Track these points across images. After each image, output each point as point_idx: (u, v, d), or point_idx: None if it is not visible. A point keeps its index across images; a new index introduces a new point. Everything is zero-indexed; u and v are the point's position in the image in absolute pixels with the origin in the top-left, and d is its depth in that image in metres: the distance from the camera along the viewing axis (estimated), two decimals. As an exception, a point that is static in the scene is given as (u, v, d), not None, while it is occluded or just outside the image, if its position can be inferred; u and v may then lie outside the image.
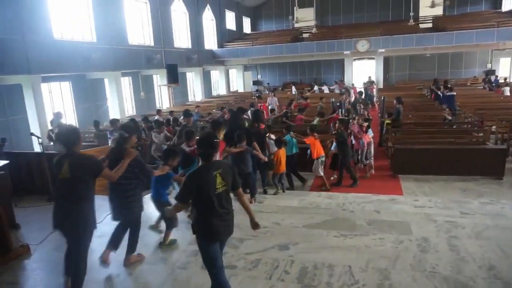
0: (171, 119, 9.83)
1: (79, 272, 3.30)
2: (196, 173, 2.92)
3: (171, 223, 4.33)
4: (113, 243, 3.91)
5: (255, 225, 3.15)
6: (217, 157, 4.28)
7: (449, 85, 13.37)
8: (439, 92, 13.87)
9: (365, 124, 7.92)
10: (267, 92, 21.42)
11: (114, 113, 15.13)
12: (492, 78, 20.42)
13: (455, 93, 12.44)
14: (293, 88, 22.68)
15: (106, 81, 15.48)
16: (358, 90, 19.25)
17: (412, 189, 6.89)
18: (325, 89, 21.40)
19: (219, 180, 2.90)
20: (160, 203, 4.27)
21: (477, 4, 24.89)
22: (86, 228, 3.33)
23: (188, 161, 5.15)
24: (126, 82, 17.22)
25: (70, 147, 3.28)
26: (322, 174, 7.07)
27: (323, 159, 7.11)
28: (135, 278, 3.70)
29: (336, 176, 7.55)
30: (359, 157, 7.71)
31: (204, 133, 3.22)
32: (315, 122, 9.30)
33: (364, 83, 20.73)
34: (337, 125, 7.36)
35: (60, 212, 3.28)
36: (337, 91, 20.69)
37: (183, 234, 4.60)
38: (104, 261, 3.81)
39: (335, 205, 5.46)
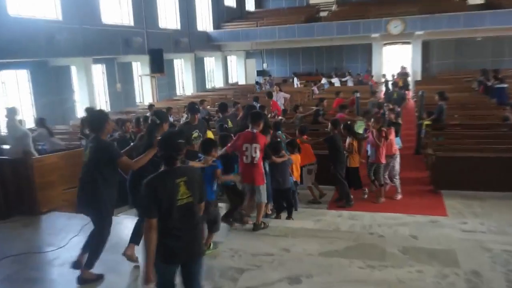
0: (141, 119, 9.05)
1: (97, 250, 4.06)
2: (154, 179, 2.94)
3: (214, 225, 4.70)
4: (136, 238, 4.39)
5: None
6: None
7: (499, 76, 13.47)
8: (488, 84, 13.99)
9: (385, 129, 7.58)
10: (268, 86, 21.44)
11: (83, 109, 15.18)
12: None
13: (506, 85, 12.52)
14: (295, 80, 22.66)
15: (73, 69, 15.59)
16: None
17: (458, 209, 6.83)
18: (336, 82, 21.47)
19: (183, 190, 2.93)
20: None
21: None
22: (100, 210, 4.09)
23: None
24: (98, 71, 17.35)
25: (95, 132, 4.14)
26: (310, 184, 7.39)
27: (311, 167, 7.38)
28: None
29: (367, 190, 7.61)
30: (378, 174, 7.43)
31: (167, 132, 3.42)
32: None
33: (397, 74, 20.75)
34: (329, 127, 7.49)
35: (79, 194, 4.15)
36: (350, 84, 20.79)
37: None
38: (130, 258, 4.39)
39: (360, 228, 5.42)
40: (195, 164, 4.48)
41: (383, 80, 20.53)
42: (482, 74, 15.16)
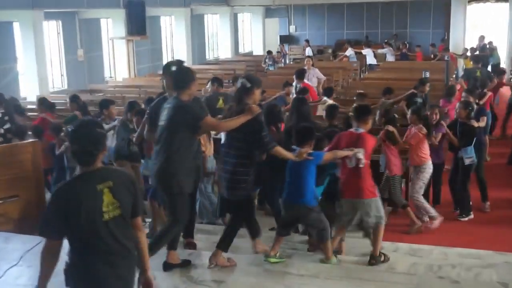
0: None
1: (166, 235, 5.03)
2: (65, 187, 3.02)
3: (323, 232, 5.32)
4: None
5: (145, 281, 3.22)
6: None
7: None
8: None
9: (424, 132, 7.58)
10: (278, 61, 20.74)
11: (29, 84, 15.36)
12: None
13: None
14: (349, 50, 22.29)
15: (16, 26, 15.74)
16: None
17: None
18: (369, 54, 21.25)
19: (108, 199, 2.94)
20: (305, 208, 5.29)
21: None
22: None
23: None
24: (51, 30, 17.49)
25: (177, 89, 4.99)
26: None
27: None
28: None
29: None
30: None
31: (80, 120, 3.64)
32: None
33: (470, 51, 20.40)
34: None
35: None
36: (390, 58, 20.49)
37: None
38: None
39: (425, 268, 5.40)
40: (287, 155, 5.13)
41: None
42: None
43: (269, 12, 28.09)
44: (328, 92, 10.47)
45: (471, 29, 23.62)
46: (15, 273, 5.28)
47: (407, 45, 23.90)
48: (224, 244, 5.22)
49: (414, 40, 26.60)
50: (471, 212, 7.78)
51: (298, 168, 5.20)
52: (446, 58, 18.24)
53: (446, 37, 24.02)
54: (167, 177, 4.93)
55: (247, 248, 6.13)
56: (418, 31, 27.28)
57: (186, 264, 5.23)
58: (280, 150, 5.07)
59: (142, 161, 6.57)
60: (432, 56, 21.40)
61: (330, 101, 9.70)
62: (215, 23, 26.17)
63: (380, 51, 21.78)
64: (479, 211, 8.09)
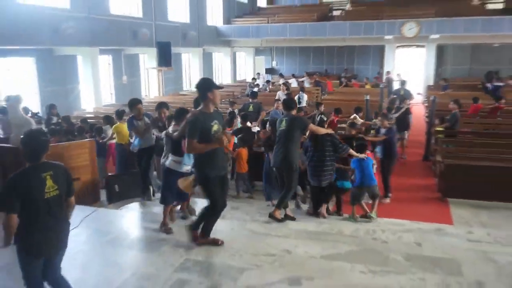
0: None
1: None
2: (19, 175, 3.16)
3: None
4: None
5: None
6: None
7: (499, 77, 17.48)
8: (487, 85, 16.48)
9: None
10: (261, 85, 19.40)
11: (87, 100, 15.32)
12: None
13: (502, 84, 15.82)
14: (294, 80, 20.43)
15: (79, 59, 15.70)
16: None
17: (465, 218, 6.82)
18: (293, 83, 19.74)
19: (50, 183, 3.19)
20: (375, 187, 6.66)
21: None
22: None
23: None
24: (104, 62, 17.43)
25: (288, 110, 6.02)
26: None
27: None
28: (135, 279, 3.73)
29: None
30: None
31: (32, 131, 3.59)
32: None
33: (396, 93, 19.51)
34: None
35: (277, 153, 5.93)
36: (307, 85, 19.73)
37: (166, 257, 4.63)
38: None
39: (364, 233, 5.44)
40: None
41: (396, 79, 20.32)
42: (486, 76, 17.48)
43: (258, 51, 28.10)
44: (357, 110, 10.31)
45: (398, 65, 23.66)
46: (77, 232, 5.26)
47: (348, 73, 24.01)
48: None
49: (359, 72, 26.80)
50: (390, 194, 7.78)
51: (367, 164, 6.40)
52: (381, 86, 18.25)
53: (381, 71, 24.11)
54: (288, 161, 5.71)
55: (238, 217, 6.18)
56: (361, 67, 27.38)
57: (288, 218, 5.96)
58: (353, 152, 6.40)
59: (179, 157, 5.50)
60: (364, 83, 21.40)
61: (359, 118, 9.67)
62: (220, 59, 26.12)
63: (300, 79, 20.99)
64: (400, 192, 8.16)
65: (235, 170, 8.03)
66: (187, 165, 5.49)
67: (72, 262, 4.58)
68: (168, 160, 5.54)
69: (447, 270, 4.35)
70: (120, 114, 8.84)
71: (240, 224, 5.72)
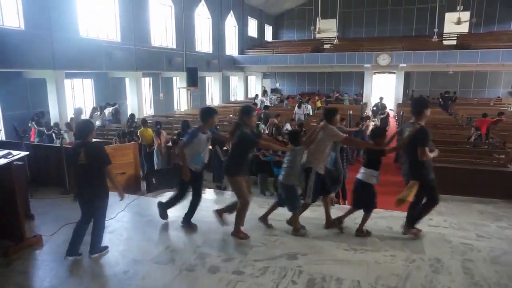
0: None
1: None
2: (71, 147, 4.09)
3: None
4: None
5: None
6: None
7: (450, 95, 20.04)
8: (440, 100, 19.16)
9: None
10: (259, 103, 18.33)
11: (133, 111, 15.40)
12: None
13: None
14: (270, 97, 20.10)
15: (127, 80, 15.80)
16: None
17: (427, 208, 6.73)
18: (267, 101, 19.25)
19: (82, 155, 3.78)
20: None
21: (505, 23, 24.40)
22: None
23: None
24: (146, 83, 17.54)
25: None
26: None
27: None
28: (142, 276, 3.72)
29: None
30: None
31: (81, 120, 4.35)
32: None
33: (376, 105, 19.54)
34: None
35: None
36: (275, 102, 19.61)
37: (192, 235, 4.61)
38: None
39: (348, 219, 5.36)
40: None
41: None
42: (441, 96, 20.00)
43: (265, 75, 28.14)
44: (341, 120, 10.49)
45: (375, 88, 23.54)
46: (122, 215, 5.27)
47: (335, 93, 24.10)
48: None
49: (344, 92, 26.70)
50: None
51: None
52: (361, 103, 18.17)
53: (361, 92, 24.00)
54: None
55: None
56: (346, 88, 27.21)
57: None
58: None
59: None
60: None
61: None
62: (235, 81, 26.16)
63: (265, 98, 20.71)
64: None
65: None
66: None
67: (119, 237, 4.59)
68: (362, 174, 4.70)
69: (412, 249, 4.29)
70: (144, 121, 9.08)
71: (250, 211, 5.68)
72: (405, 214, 5.85)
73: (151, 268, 3.87)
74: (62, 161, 6.23)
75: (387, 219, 5.44)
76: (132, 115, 12.30)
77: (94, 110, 13.07)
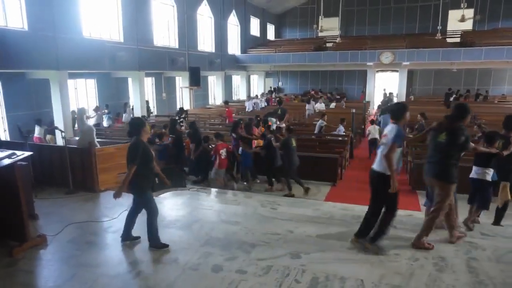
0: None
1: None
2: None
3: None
4: None
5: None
6: None
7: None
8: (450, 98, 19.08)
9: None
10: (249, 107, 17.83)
11: (136, 111, 15.43)
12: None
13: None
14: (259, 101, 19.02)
15: (130, 80, 15.83)
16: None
17: (431, 206, 6.69)
18: (261, 103, 18.60)
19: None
20: None
21: (509, 19, 24.17)
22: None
23: None
24: (149, 82, 17.58)
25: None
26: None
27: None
28: (145, 276, 3.73)
29: None
30: None
31: (133, 118, 4.43)
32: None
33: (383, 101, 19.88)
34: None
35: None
36: (264, 104, 18.73)
37: (195, 235, 4.62)
38: None
39: (350, 217, 5.36)
40: None
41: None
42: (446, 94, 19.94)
43: (267, 74, 28.04)
44: (342, 120, 11.30)
45: (378, 86, 23.46)
46: (125, 215, 5.29)
47: (338, 91, 24.01)
48: None
49: (347, 91, 26.69)
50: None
51: None
52: (363, 101, 18.12)
53: (364, 90, 23.92)
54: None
55: (251, 204, 6.13)
56: (349, 86, 27.17)
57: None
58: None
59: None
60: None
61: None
62: (238, 80, 26.13)
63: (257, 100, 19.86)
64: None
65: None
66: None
67: (115, 236, 4.58)
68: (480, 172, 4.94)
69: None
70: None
71: (252, 210, 5.69)
72: (407, 212, 5.85)
73: (155, 268, 3.88)
74: (66, 161, 6.26)
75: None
76: (181, 108, 13.49)
77: (96, 109, 13.33)
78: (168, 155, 8.38)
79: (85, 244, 4.38)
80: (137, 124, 4.13)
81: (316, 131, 11.29)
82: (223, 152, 7.63)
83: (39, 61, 10.63)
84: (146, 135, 4.20)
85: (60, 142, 8.55)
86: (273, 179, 7.76)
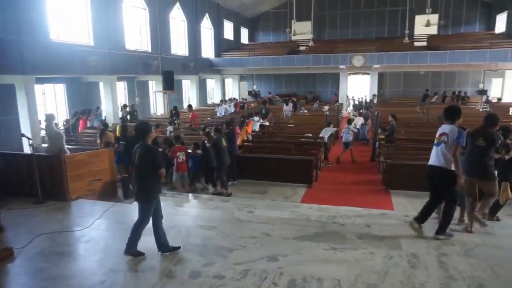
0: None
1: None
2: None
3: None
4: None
5: None
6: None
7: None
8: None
9: None
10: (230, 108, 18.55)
11: (107, 117, 15.05)
12: (484, 98, 20.78)
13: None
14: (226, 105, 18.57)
15: (101, 85, 15.44)
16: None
17: (403, 204, 6.90)
18: (230, 108, 18.73)
19: (136, 155, 3.98)
20: None
21: (471, 24, 25.45)
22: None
23: None
24: (121, 87, 17.18)
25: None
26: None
27: None
28: (121, 285, 3.62)
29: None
30: None
31: (139, 123, 4.22)
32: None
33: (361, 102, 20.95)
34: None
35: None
36: (233, 108, 18.59)
37: (172, 241, 4.54)
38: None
39: (326, 218, 5.43)
40: None
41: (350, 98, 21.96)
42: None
43: (242, 78, 28.05)
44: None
45: (350, 88, 23.97)
46: (98, 223, 5.13)
47: (312, 94, 24.34)
48: None
49: (320, 94, 27.07)
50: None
51: None
52: (336, 104, 18.46)
53: (337, 92, 24.35)
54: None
55: (227, 208, 6.09)
56: (322, 89, 27.61)
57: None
58: None
59: None
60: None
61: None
62: (212, 83, 26.02)
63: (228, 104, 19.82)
64: (353, 186, 8.19)
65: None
66: None
67: (95, 246, 4.46)
68: None
69: (390, 246, 4.37)
70: (105, 124, 9.34)
71: (229, 214, 5.65)
72: (380, 211, 5.99)
73: (130, 277, 3.78)
74: (34, 170, 6.00)
75: (364, 217, 5.53)
76: (175, 107, 14.26)
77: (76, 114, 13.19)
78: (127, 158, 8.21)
79: (55, 256, 4.21)
80: (143, 130, 4.05)
81: (326, 139, 10.88)
82: (180, 155, 7.60)
83: (3, 65, 10.15)
84: (150, 139, 4.11)
85: (27, 150, 8.22)
86: (215, 180, 7.85)
